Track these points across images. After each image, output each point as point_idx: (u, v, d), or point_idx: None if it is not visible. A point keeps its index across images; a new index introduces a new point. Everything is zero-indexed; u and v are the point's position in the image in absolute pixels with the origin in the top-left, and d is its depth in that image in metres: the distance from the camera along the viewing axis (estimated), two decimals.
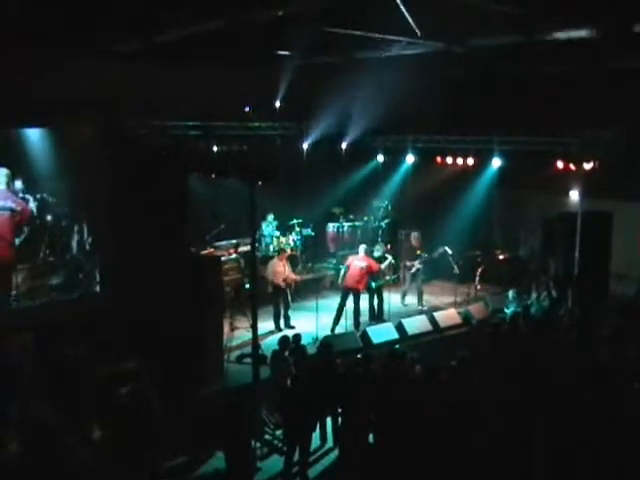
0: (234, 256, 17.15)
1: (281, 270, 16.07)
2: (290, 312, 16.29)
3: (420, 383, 10.74)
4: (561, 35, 11.99)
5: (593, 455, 8.06)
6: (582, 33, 11.74)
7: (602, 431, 8.81)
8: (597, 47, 13.41)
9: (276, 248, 18.26)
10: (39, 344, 11.91)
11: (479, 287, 18.26)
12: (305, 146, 19.41)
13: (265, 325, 15.42)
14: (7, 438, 9.58)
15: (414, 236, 18.46)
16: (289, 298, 16.32)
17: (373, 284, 16.46)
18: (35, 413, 9.33)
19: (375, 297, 16.65)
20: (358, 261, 16.28)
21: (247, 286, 16.15)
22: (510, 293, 16.15)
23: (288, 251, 17.38)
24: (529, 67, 16.72)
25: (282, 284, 15.99)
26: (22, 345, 11.87)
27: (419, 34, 12.47)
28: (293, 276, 16.48)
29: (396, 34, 13.34)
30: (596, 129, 16.33)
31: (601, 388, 9.79)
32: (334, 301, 17.44)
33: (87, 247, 15.99)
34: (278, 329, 15.76)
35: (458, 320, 16.44)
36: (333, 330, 15.78)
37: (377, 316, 16.57)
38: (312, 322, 15.50)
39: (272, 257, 17.34)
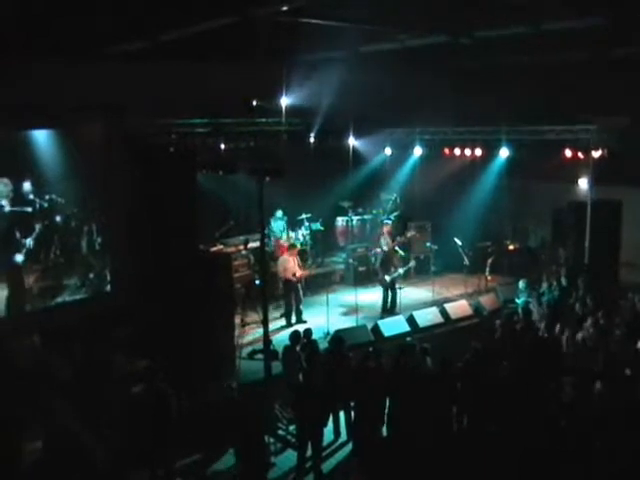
0: (244, 252, 17.16)
1: (291, 265, 16.08)
2: (301, 307, 16.30)
3: (432, 376, 10.75)
4: (570, 24, 11.98)
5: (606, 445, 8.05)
6: (591, 21, 11.72)
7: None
8: (606, 35, 13.39)
9: (286, 244, 18.28)
10: (49, 345, 11.96)
11: (490, 278, 18.21)
12: (312, 141, 19.41)
13: (276, 321, 15.44)
14: (31, 436, 9.70)
15: (385, 224, 18.40)
16: (301, 293, 16.33)
17: (387, 277, 16.44)
18: (54, 412, 9.39)
19: (389, 291, 16.64)
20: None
21: (257, 282, 16.15)
22: (521, 283, 16.09)
23: (298, 247, 17.36)
24: (537, 56, 16.70)
25: (293, 279, 16.00)
26: (31, 346, 11.93)
27: (426, 26, 12.49)
28: (300, 272, 16.44)
29: (402, 27, 13.35)
30: (606, 117, 16.28)
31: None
32: (345, 295, 17.48)
33: (97, 247, 16.04)
34: (289, 324, 15.76)
35: (469, 311, 16.42)
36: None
37: (390, 309, 16.56)
38: (323, 317, 15.51)
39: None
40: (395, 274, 16.57)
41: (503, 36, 13.71)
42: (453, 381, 10.67)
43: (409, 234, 18.36)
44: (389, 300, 16.64)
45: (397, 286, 16.79)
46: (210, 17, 11.71)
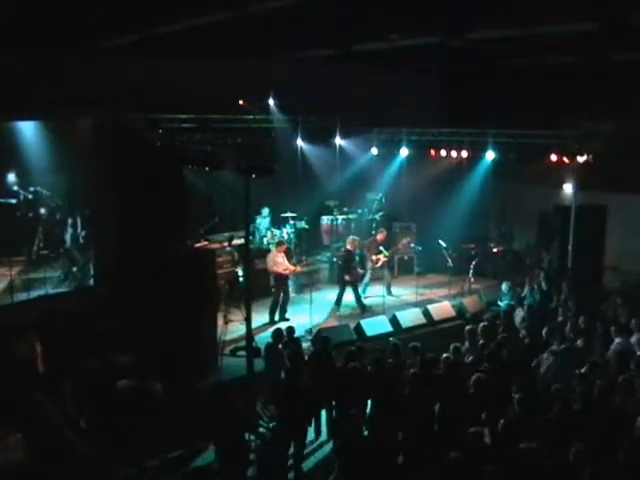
0: (228, 249, 17.12)
1: (281, 261, 16.08)
2: (287, 305, 16.28)
3: (414, 376, 10.76)
4: (559, 28, 12.01)
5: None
6: (580, 26, 11.76)
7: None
8: (594, 40, 13.44)
9: (270, 241, 18.28)
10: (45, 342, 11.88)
11: (473, 280, 18.26)
12: (299, 139, 19.39)
13: (259, 318, 15.40)
14: (13, 431, 9.64)
15: (380, 231, 18.43)
16: (289, 289, 16.35)
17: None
18: (37, 407, 9.34)
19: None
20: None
21: (241, 279, 16.13)
22: (504, 286, 16.16)
23: (285, 244, 17.33)
24: (525, 59, 16.74)
25: (283, 273, 16.00)
26: (30, 345, 11.85)
27: (416, 27, 12.49)
28: (292, 267, 16.45)
29: (393, 27, 13.34)
30: (592, 122, 16.36)
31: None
32: (328, 294, 17.47)
33: (81, 241, 15.98)
34: (272, 322, 15.73)
35: (452, 313, 16.47)
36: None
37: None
38: (306, 315, 15.51)
39: (267, 250, 17.43)
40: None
41: (493, 38, 13.74)
42: (435, 381, 10.69)
43: (399, 245, 18.61)
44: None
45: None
46: (203, 12, 11.67)
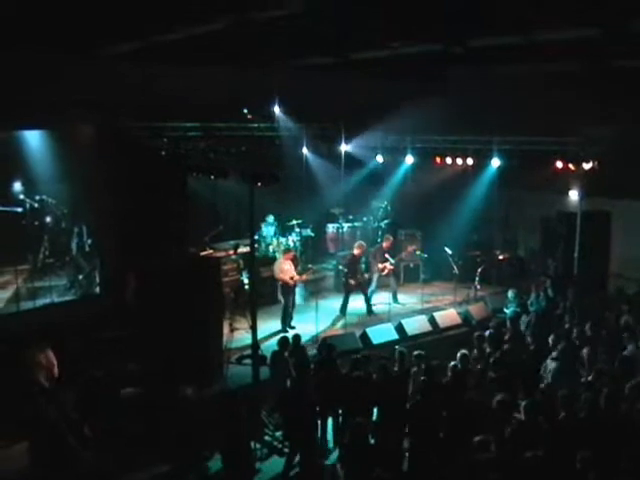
0: (233, 257, 17.12)
1: (288, 268, 16.05)
2: (293, 312, 16.27)
3: (420, 384, 10.74)
4: (562, 35, 12.02)
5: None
6: (582, 32, 11.77)
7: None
8: (597, 46, 13.45)
9: (276, 249, 18.27)
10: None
11: (479, 287, 18.22)
12: (304, 147, 19.42)
13: (265, 326, 15.37)
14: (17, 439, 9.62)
15: (386, 238, 18.41)
16: (296, 297, 16.35)
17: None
18: (41, 414, 9.32)
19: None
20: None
21: (247, 287, 16.12)
22: (510, 293, 16.12)
23: (293, 251, 17.31)
24: (528, 66, 16.74)
25: (290, 282, 15.97)
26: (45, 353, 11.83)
27: (418, 34, 12.50)
28: (297, 277, 16.40)
29: (395, 35, 13.35)
30: (594, 128, 16.34)
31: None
32: (334, 302, 17.44)
33: (87, 249, 16.00)
34: (285, 329, 15.69)
35: (458, 320, 16.44)
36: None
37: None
38: (312, 323, 15.49)
39: (273, 258, 17.42)
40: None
41: (495, 45, 13.75)
42: (440, 389, 10.66)
43: (405, 253, 18.60)
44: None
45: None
46: (206, 20, 11.70)
